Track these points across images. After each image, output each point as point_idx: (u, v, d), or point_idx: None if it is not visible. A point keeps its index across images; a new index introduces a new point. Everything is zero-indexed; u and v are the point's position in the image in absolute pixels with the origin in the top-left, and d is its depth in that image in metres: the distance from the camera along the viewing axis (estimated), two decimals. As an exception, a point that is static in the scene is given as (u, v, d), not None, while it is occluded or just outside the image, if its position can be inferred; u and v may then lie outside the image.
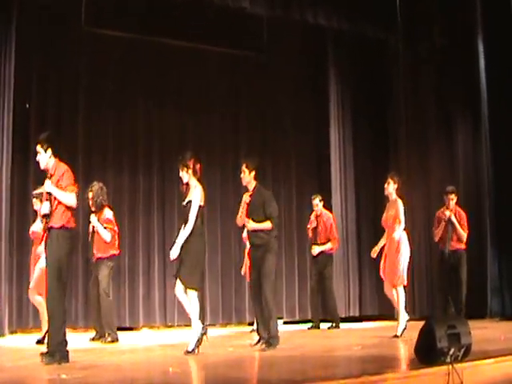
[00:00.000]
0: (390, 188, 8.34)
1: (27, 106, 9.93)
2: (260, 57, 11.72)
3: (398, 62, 11.75)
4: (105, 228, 8.36)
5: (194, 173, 6.97)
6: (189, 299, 6.81)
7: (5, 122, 9.23)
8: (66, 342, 6.11)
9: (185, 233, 6.81)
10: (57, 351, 6.02)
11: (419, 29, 11.45)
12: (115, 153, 10.69)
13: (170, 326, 10.69)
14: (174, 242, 6.88)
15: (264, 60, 11.73)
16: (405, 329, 8.11)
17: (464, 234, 9.52)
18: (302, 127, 12.17)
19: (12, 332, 9.33)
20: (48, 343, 6.12)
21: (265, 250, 7.17)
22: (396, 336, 8.04)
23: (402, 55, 11.64)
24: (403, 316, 8.19)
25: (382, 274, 8.37)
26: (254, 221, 7.20)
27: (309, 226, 10.38)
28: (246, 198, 7.39)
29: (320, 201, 10.34)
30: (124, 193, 10.65)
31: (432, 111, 11.64)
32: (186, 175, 6.97)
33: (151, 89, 10.92)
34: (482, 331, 7.73)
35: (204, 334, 6.81)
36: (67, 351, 6.09)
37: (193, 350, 6.75)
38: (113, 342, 8.19)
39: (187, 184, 6.99)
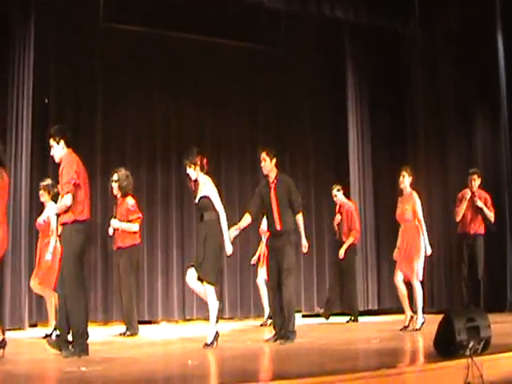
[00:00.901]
0: (406, 181, 8.31)
1: (46, 101, 10.00)
2: (277, 51, 11.70)
3: (415, 53, 11.68)
4: (130, 221, 8.32)
5: (202, 168, 6.90)
6: (206, 294, 6.80)
7: (24, 117, 9.30)
8: (87, 336, 6.16)
9: (224, 224, 6.80)
10: (77, 344, 6.07)
11: (436, 19, 11.37)
12: (133, 150, 10.73)
13: (189, 320, 10.73)
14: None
15: (281, 54, 11.70)
16: (409, 323, 8.14)
17: (492, 215, 9.29)
18: (319, 121, 12.14)
19: (32, 325, 9.41)
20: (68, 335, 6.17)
21: (285, 240, 7.12)
22: (416, 329, 8.03)
23: (419, 46, 11.57)
24: (421, 310, 8.16)
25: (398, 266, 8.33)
26: (280, 209, 7.14)
27: (334, 220, 10.32)
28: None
29: (338, 190, 10.26)
30: (142, 189, 10.66)
31: (450, 102, 11.56)
32: (193, 172, 6.89)
33: (169, 84, 10.94)
34: (502, 324, 7.69)
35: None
36: (87, 344, 6.13)
37: (211, 343, 6.77)
38: (132, 335, 8.22)
39: (195, 181, 6.95)
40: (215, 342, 6.79)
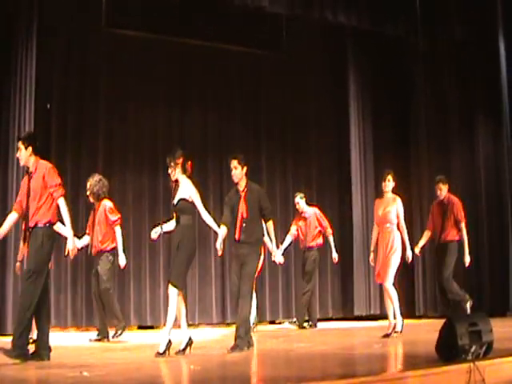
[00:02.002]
0: (390, 186, 8.29)
1: (48, 106, 10.02)
2: (278, 55, 11.74)
3: (417, 59, 11.70)
4: (111, 224, 8.28)
5: (184, 170, 6.84)
6: (170, 297, 6.69)
7: (26, 122, 9.31)
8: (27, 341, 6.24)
9: (213, 224, 6.82)
10: (17, 348, 6.09)
11: (439, 25, 11.37)
12: (135, 155, 10.74)
13: (190, 325, 10.68)
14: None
15: (282, 59, 11.74)
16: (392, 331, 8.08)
17: (461, 222, 8.87)
18: (321, 125, 12.16)
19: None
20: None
21: (250, 249, 7.03)
22: (396, 332, 7.99)
23: (422, 53, 11.59)
24: (399, 312, 8.09)
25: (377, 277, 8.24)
26: (247, 218, 7.06)
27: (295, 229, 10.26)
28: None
29: (301, 198, 10.22)
30: (144, 194, 10.72)
31: (453, 107, 11.56)
32: (174, 173, 6.85)
33: (171, 89, 10.97)
34: (504, 329, 7.67)
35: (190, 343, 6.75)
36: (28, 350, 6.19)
37: (163, 352, 6.53)
38: (123, 330, 8.18)
39: (176, 181, 6.90)
40: (167, 352, 6.56)
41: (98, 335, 8.32)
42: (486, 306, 10.11)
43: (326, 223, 10.25)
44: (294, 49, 11.71)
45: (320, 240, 10.24)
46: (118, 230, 8.32)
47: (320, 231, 10.22)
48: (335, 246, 10.31)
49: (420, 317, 11.06)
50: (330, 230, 10.24)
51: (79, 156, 10.30)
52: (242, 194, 7.15)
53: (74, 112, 10.35)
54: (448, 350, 5.35)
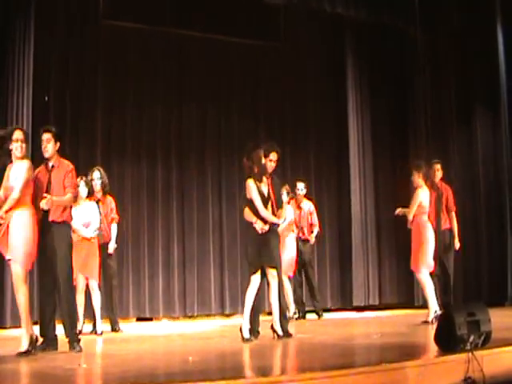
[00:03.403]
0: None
1: (46, 98, 9.98)
2: (277, 46, 11.70)
3: (416, 49, 11.67)
4: (113, 220, 8.40)
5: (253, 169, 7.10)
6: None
7: (24, 114, 9.28)
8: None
9: (270, 218, 7.03)
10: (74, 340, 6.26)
11: (438, 15, 11.35)
12: (133, 146, 10.71)
13: (190, 317, 10.72)
14: None
15: (282, 49, 11.70)
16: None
17: (452, 210, 8.79)
18: (320, 116, 12.11)
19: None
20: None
21: (276, 236, 7.25)
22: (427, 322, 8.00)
23: (421, 43, 11.55)
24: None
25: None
26: (277, 204, 7.26)
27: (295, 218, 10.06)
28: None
29: (304, 188, 10.12)
30: (143, 186, 10.68)
31: (451, 99, 11.54)
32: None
33: (169, 80, 10.93)
34: (502, 319, 7.68)
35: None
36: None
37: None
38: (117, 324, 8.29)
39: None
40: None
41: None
42: (484, 296, 10.14)
43: (316, 221, 10.21)
44: (293, 39, 11.67)
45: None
46: (115, 226, 8.46)
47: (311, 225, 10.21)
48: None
49: (419, 307, 11.07)
50: (317, 229, 10.20)
51: (77, 150, 10.23)
52: (268, 181, 7.32)
53: (71, 104, 10.29)
54: (446, 340, 5.37)
